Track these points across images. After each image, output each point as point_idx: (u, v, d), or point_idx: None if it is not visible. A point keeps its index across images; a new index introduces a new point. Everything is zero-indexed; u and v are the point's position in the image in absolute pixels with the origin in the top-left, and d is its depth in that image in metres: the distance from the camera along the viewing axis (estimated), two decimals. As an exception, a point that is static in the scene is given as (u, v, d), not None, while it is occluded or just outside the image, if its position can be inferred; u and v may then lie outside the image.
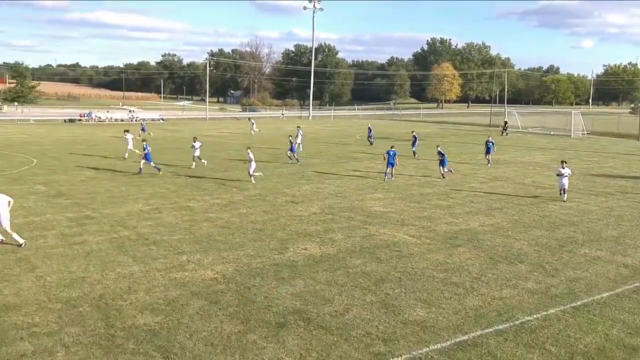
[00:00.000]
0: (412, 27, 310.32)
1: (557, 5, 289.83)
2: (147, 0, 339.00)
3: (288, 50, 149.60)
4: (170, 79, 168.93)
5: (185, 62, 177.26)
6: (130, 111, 75.28)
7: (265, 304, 10.74)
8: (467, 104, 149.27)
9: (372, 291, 11.62)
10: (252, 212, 18.53)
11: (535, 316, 10.44)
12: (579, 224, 17.92)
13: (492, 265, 13.52)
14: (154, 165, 25.81)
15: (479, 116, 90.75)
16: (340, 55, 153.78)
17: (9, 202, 14.04)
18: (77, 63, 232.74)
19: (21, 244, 13.80)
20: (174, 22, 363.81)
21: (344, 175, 27.16)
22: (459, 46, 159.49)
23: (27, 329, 9.33)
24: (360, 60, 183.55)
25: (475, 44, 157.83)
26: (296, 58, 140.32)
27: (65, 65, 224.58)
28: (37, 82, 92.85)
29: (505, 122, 58.41)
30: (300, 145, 35.65)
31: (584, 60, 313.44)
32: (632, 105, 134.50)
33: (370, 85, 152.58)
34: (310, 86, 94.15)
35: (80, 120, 65.43)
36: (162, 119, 71.92)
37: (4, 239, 14.07)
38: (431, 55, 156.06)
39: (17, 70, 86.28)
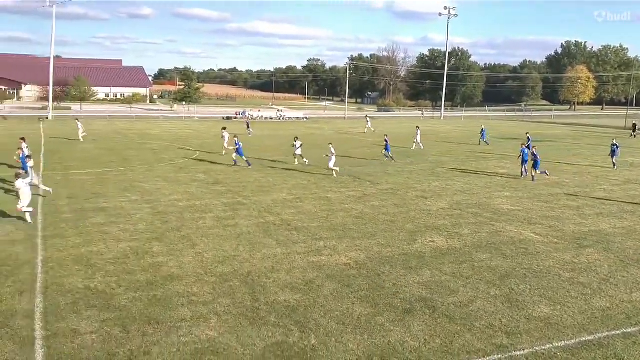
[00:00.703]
0: (546, 31, 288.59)
1: None
2: (296, 14, 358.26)
3: (423, 54, 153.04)
4: (314, 82, 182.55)
5: (327, 66, 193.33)
6: (278, 110, 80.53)
7: (393, 290, 11.22)
8: (601, 107, 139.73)
9: (496, 285, 11.59)
10: (384, 205, 19.20)
11: (672, 323, 9.68)
12: None
13: (622, 268, 12.87)
14: (245, 159, 27.71)
15: (614, 118, 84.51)
16: (472, 58, 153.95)
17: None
18: (235, 67, 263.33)
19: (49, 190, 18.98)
20: (319, 30, 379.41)
21: (473, 173, 27.14)
22: (595, 49, 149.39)
23: (187, 297, 10.67)
24: (493, 63, 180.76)
25: (612, 46, 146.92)
26: (430, 62, 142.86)
27: (225, 70, 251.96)
28: (202, 84, 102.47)
29: (634, 124, 54.08)
30: (421, 144, 38.08)
31: None
32: None
33: (502, 88, 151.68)
34: (442, 88, 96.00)
35: (235, 117, 71.52)
36: (306, 118, 76.72)
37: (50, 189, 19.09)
38: (565, 57, 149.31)
39: (185, 74, 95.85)
